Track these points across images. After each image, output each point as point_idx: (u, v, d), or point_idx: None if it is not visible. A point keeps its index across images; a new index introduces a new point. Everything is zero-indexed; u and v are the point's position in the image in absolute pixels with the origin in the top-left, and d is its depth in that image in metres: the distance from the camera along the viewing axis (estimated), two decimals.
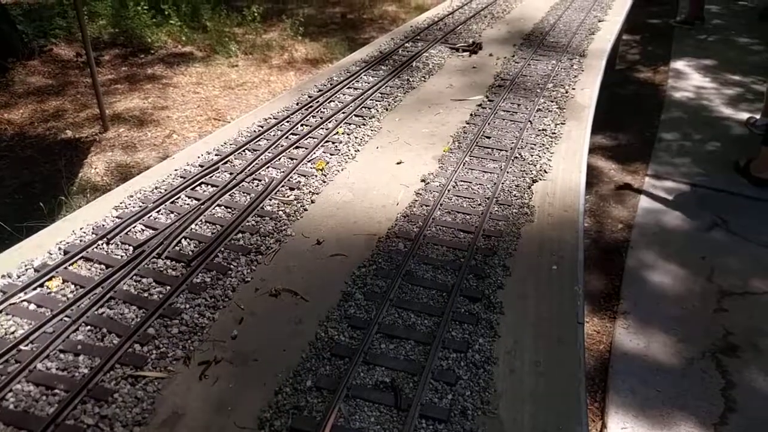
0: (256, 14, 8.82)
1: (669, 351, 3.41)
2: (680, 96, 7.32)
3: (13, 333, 1.74)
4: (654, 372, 3.27)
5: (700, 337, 3.51)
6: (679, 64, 8.38)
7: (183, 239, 2.19)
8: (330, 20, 10.25)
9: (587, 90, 3.79)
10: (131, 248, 2.11)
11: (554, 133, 3.12)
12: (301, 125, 3.06)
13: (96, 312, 1.84)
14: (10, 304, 1.83)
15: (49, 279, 1.94)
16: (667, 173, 5.54)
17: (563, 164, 2.84)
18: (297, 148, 2.86)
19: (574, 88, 3.80)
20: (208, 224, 2.29)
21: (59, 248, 2.11)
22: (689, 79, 7.83)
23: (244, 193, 2.50)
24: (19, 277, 1.96)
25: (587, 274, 4.24)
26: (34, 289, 1.90)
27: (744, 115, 6.44)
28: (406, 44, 4.60)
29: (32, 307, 1.84)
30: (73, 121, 6.19)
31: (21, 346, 1.69)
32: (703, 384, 3.18)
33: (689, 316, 3.70)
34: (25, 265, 2.01)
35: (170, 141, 5.93)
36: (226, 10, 9.31)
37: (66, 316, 1.80)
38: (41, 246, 2.13)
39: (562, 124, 3.25)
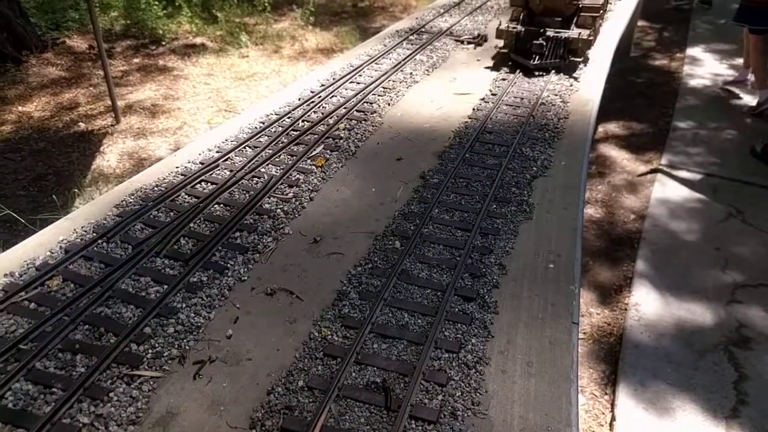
0: (266, 4, 8.80)
1: (681, 343, 3.38)
2: (696, 83, 7.17)
3: (13, 332, 1.79)
4: (665, 364, 3.25)
5: (712, 329, 3.47)
6: (696, 50, 8.20)
7: (182, 237, 2.21)
8: (341, 9, 10.19)
9: (592, 83, 3.73)
10: (130, 247, 2.15)
11: (556, 128, 3.08)
12: (302, 121, 3.07)
13: (94, 311, 1.87)
14: (12, 303, 1.88)
15: (50, 278, 1.99)
16: (681, 163, 5.44)
17: (564, 160, 2.81)
18: (297, 144, 2.86)
19: (579, 81, 3.74)
20: (206, 222, 2.31)
21: (60, 247, 2.15)
22: (705, 66, 7.66)
23: (243, 190, 2.52)
24: (21, 276, 2.01)
25: (598, 266, 4.21)
26: (35, 288, 1.94)
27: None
28: (411, 37, 4.56)
29: (33, 305, 1.89)
30: (86, 113, 6.27)
31: (21, 345, 1.73)
32: (715, 376, 3.15)
33: (702, 307, 3.65)
34: (27, 264, 2.06)
35: (181, 132, 5.98)
36: (237, 0, 9.30)
37: (65, 315, 1.85)
38: (43, 244, 2.17)
39: (565, 118, 3.21)
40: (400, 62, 4.00)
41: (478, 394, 1.67)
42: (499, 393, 1.68)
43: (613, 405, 3.06)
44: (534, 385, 1.72)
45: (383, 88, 3.61)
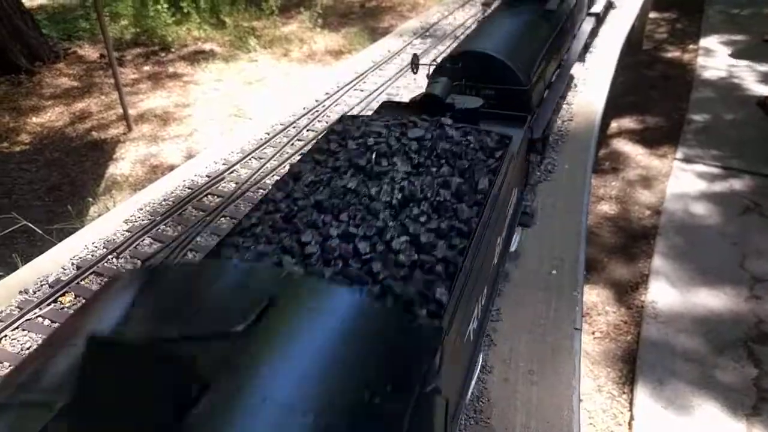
0: (274, 8, 8.84)
1: (699, 340, 3.35)
2: (710, 75, 7.06)
3: (28, 349, 1.84)
4: (683, 362, 3.22)
5: (731, 326, 3.43)
6: (710, 41, 8.07)
7: (189, 252, 2.26)
8: (348, 10, 10.19)
9: (597, 84, 3.68)
10: (140, 262, 2.20)
11: (560, 131, 3.06)
12: (307, 130, 3.09)
13: None
14: (27, 320, 1.93)
15: (63, 295, 2.04)
16: (696, 156, 5.37)
17: (568, 163, 2.80)
18: (302, 154, 2.90)
19: (584, 82, 3.71)
20: (213, 236, 2.35)
21: (72, 263, 2.21)
22: (720, 57, 7.54)
23: (249, 203, 2.55)
24: (35, 293, 2.07)
25: (614, 263, 4.18)
26: (49, 305, 2.00)
27: None
28: (415, 41, 4.55)
29: (47, 322, 1.94)
30: (98, 122, 6.37)
31: None
32: (735, 374, 3.12)
33: (720, 303, 3.61)
34: (41, 281, 2.12)
35: (193, 139, 6.05)
36: (245, 4, 9.35)
37: None
38: (55, 261, 2.23)
39: (569, 120, 3.19)
40: (404, 68, 4.01)
41: (480, 403, 1.69)
42: (501, 401, 1.70)
43: (631, 404, 3.05)
44: (536, 392, 1.73)
45: (387, 94, 3.62)
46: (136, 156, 5.80)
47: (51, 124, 6.42)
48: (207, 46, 8.35)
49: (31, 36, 7.11)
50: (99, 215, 3.97)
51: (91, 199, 4.95)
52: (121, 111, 6.27)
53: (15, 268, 2.39)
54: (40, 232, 4.11)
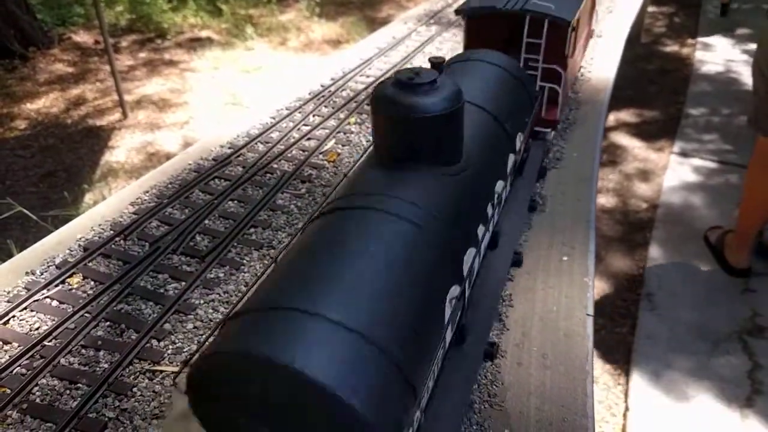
0: None
1: (694, 333, 3.39)
2: (708, 69, 7.11)
3: (37, 329, 1.82)
4: (678, 354, 3.26)
5: (726, 319, 3.48)
6: (707, 36, 8.11)
7: (197, 234, 2.24)
8: None
9: (604, 72, 3.69)
10: (147, 244, 2.17)
11: (567, 119, 3.06)
12: (313, 116, 3.07)
13: (115, 308, 1.90)
14: (34, 301, 1.91)
15: (70, 275, 2.02)
16: (693, 150, 5.42)
17: (577, 152, 2.80)
18: (309, 139, 2.87)
19: (590, 71, 3.71)
20: (221, 219, 2.33)
21: (79, 245, 2.18)
22: (717, 51, 7.58)
23: (256, 187, 2.53)
24: (42, 274, 2.04)
25: (611, 256, 4.21)
26: (56, 285, 1.97)
27: None
28: (419, 28, 4.52)
29: (55, 303, 1.92)
30: (94, 108, 6.30)
31: (45, 342, 1.76)
32: (729, 366, 3.16)
33: (715, 297, 3.66)
34: (48, 262, 2.09)
35: (189, 126, 6.01)
36: None
37: (86, 312, 1.87)
38: (62, 243, 2.20)
39: (576, 109, 3.19)
40: (409, 54, 3.99)
41: (494, 387, 1.69)
42: (515, 385, 1.70)
43: (626, 395, 3.08)
44: (549, 377, 1.73)
45: None
46: (132, 143, 5.74)
47: (45, 110, 6.34)
48: (203, 34, 8.27)
49: (25, 21, 7.01)
50: (95, 202, 3.93)
51: (86, 186, 4.90)
52: (116, 97, 6.20)
53: (10, 254, 2.36)
54: (35, 218, 4.07)
